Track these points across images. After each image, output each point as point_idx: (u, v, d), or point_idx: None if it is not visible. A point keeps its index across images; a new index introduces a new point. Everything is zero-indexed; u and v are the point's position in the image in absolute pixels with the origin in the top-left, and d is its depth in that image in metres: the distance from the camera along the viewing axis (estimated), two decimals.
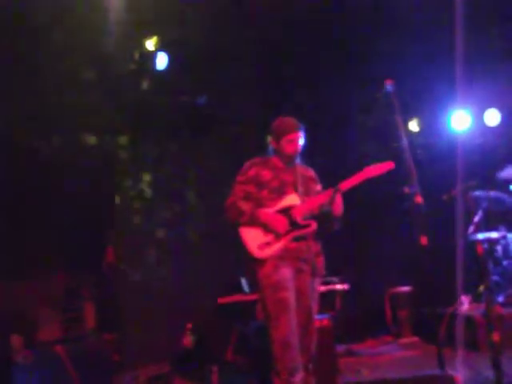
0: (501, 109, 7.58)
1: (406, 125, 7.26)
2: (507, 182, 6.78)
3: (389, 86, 4.03)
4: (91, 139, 6.47)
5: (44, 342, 5.36)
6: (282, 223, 4.17)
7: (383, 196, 7.03)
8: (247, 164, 4.40)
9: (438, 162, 6.85)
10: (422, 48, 6.56)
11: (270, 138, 4.37)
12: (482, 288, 5.88)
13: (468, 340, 5.29)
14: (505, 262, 6.55)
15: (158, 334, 6.26)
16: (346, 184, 4.18)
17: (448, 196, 4.84)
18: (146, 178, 6.74)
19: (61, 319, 5.96)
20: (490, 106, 7.59)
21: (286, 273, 4.17)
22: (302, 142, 4.35)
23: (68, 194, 6.29)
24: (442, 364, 3.38)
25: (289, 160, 4.36)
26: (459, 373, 3.20)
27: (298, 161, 4.41)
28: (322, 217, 4.25)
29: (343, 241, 6.78)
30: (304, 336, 4.20)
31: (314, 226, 4.21)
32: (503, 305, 5.98)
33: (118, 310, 6.40)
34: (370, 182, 4.44)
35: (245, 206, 4.25)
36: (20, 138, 6.01)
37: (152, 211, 6.88)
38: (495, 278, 6.31)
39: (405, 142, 3.67)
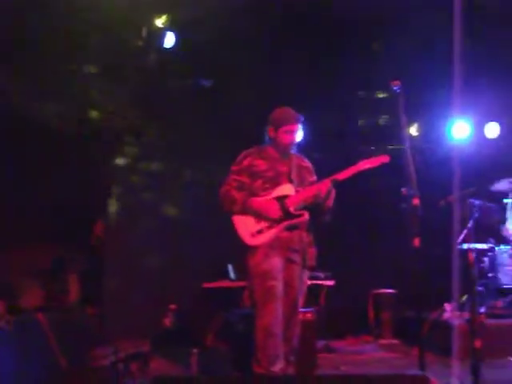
0: (501, 122, 7.62)
1: (408, 127, 7.27)
2: (501, 194, 6.82)
3: (396, 86, 4.03)
4: (91, 113, 6.44)
5: (27, 309, 5.35)
6: (274, 209, 4.20)
7: (378, 196, 7.06)
8: (242, 154, 4.43)
9: (434, 168, 6.86)
10: (428, 53, 6.57)
11: (268, 127, 4.39)
12: (465, 297, 5.96)
13: (448, 346, 5.33)
14: (490, 274, 6.60)
15: (141, 312, 6.26)
16: (341, 175, 4.22)
17: (445, 202, 4.86)
18: (143, 155, 6.73)
19: (45, 289, 5.96)
20: (491, 119, 7.63)
21: (276, 262, 4.20)
22: (299, 134, 4.39)
23: (62, 165, 6.26)
24: (422, 365, 3.42)
25: (284, 150, 4.39)
26: (437, 377, 3.22)
27: (293, 151, 4.43)
28: (315, 208, 4.28)
29: (333, 237, 6.82)
30: (287, 327, 4.24)
31: (307, 216, 4.24)
32: (485, 316, 6.01)
33: (102, 285, 6.39)
34: (365, 181, 4.47)
35: (237, 195, 4.28)
36: (23, 107, 5.97)
37: (144, 191, 6.86)
38: (479, 288, 6.35)
39: (407, 143, 3.68)
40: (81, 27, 5.88)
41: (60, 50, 5.92)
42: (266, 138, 4.43)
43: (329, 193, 4.23)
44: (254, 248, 4.23)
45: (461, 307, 6.01)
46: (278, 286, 4.16)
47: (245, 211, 4.25)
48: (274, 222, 4.22)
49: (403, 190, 3.59)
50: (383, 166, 4.20)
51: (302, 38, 6.56)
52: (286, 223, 4.22)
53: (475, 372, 3.63)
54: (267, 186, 4.30)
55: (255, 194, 4.29)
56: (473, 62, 6.01)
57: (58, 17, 5.68)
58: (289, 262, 4.25)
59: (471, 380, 3.72)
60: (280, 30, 6.46)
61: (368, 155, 4.29)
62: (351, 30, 6.62)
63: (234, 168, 4.40)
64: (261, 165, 4.34)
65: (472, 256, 3.99)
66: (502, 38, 6.62)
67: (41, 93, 6.10)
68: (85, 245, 6.48)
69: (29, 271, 5.95)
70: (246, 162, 4.36)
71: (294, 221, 4.23)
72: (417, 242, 3.48)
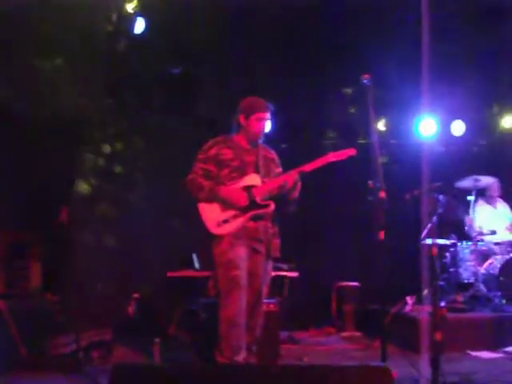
0: (466, 120, 7.74)
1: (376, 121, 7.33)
2: (465, 191, 6.93)
3: (365, 80, 4.05)
4: (56, 98, 6.32)
5: None
6: (242, 197, 4.20)
7: (343, 188, 7.10)
8: (209, 142, 4.41)
9: (400, 163, 6.94)
10: (395, 50, 6.63)
11: (238, 115, 4.37)
12: (426, 291, 6.05)
13: (409, 339, 5.41)
14: (451, 269, 6.71)
15: (104, 301, 6.21)
16: (308, 167, 4.24)
17: (410, 195, 4.90)
18: (111, 142, 6.65)
19: (5, 275, 5.85)
20: (457, 117, 7.74)
21: (241, 252, 4.20)
22: (268, 123, 4.39)
23: (25, 148, 6.13)
24: (384, 357, 3.46)
25: (253, 139, 4.38)
26: (397, 369, 3.26)
27: (260, 141, 4.43)
28: (280, 198, 4.29)
29: (298, 229, 6.85)
30: (251, 317, 4.25)
31: (273, 206, 4.25)
32: (446, 310, 6.10)
33: (64, 272, 6.30)
34: (332, 173, 4.49)
35: (204, 183, 4.27)
36: None
37: (110, 178, 6.78)
38: (441, 283, 6.45)
39: (375, 136, 3.71)
40: (49, 12, 5.76)
41: (25, 34, 5.79)
42: (234, 126, 4.42)
43: (295, 184, 4.25)
44: (219, 237, 4.22)
45: (422, 300, 6.10)
46: (242, 275, 4.16)
47: (211, 198, 4.24)
48: (240, 212, 4.21)
49: (370, 182, 3.62)
50: (349, 158, 4.24)
51: (272, 29, 6.56)
52: (252, 213, 4.22)
53: (435, 364, 3.68)
54: (234, 175, 4.29)
55: (222, 183, 4.28)
56: (440, 60, 6.09)
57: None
58: (253, 251, 4.26)
59: (431, 372, 3.77)
60: (250, 21, 6.45)
61: (335, 148, 4.32)
62: (320, 22, 6.64)
63: (200, 156, 4.38)
64: (227, 154, 4.33)
65: (435, 250, 4.04)
66: (468, 37, 6.71)
67: (4, 78, 5.97)
68: (47, 231, 6.36)
69: None
70: (212, 151, 4.34)
71: (260, 211, 4.24)
72: (382, 234, 3.51)
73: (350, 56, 6.69)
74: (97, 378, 4.41)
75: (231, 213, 4.22)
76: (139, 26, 6.17)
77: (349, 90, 7.38)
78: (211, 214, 4.25)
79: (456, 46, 6.71)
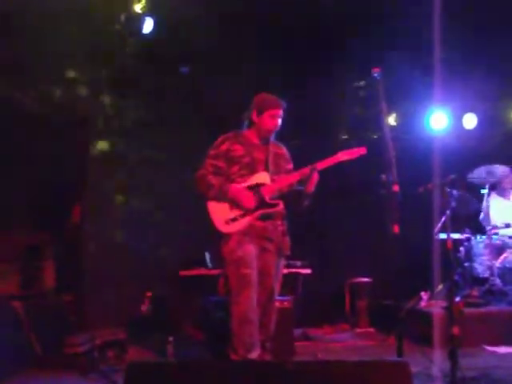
0: (478, 113, 7.68)
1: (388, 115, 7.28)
2: (478, 184, 6.87)
3: (376, 73, 4.02)
4: (67, 98, 6.34)
5: (1, 296, 5.26)
6: (249, 199, 4.18)
7: (355, 184, 7.06)
8: (220, 138, 4.39)
9: (411, 158, 6.88)
10: (408, 43, 6.58)
11: (250, 111, 4.34)
12: (440, 286, 6.01)
13: (423, 334, 5.38)
14: (466, 264, 6.65)
15: (118, 300, 6.22)
16: (321, 164, 4.20)
17: (424, 189, 4.85)
18: (121, 141, 6.65)
19: (20, 276, 5.88)
20: (469, 110, 7.68)
21: (250, 249, 4.19)
22: (280, 120, 4.38)
23: (38, 149, 6.15)
24: (400, 352, 3.43)
25: (265, 135, 4.36)
26: (412, 364, 3.23)
27: (271, 138, 4.41)
28: (292, 195, 4.27)
29: (310, 226, 6.83)
30: (264, 314, 4.24)
31: (282, 205, 4.23)
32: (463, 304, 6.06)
33: (78, 272, 6.32)
34: (342, 169, 4.47)
35: (214, 180, 4.25)
36: None
37: (118, 178, 6.78)
38: (455, 277, 6.40)
39: (387, 130, 3.68)
40: (58, 12, 5.77)
41: (37, 35, 5.81)
42: (245, 123, 4.40)
43: (309, 178, 4.20)
44: (228, 235, 4.21)
45: (436, 296, 6.06)
46: (253, 273, 4.15)
47: (220, 197, 4.22)
48: (249, 211, 4.20)
49: (383, 176, 3.59)
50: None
51: (281, 27, 6.53)
52: (260, 212, 4.20)
53: (453, 359, 3.65)
54: (244, 172, 4.28)
55: (232, 180, 4.27)
56: (451, 54, 6.04)
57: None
58: (263, 250, 4.25)
59: (449, 367, 3.73)
60: (256, 17, 6.43)
61: (346, 144, 4.30)
62: (330, 17, 6.61)
63: (211, 152, 4.36)
64: (238, 150, 4.31)
65: (450, 243, 4.00)
66: (480, 28, 6.65)
67: (18, 78, 5.99)
68: (61, 231, 6.38)
69: (3, 258, 5.86)
70: (223, 147, 4.33)
71: (269, 210, 4.23)
72: (396, 228, 3.47)
73: (360, 50, 6.65)
74: (112, 377, 4.43)
75: (239, 211, 4.21)
76: (148, 25, 6.17)
77: (360, 84, 7.33)
78: (220, 212, 4.24)
79: (467, 39, 6.65)
